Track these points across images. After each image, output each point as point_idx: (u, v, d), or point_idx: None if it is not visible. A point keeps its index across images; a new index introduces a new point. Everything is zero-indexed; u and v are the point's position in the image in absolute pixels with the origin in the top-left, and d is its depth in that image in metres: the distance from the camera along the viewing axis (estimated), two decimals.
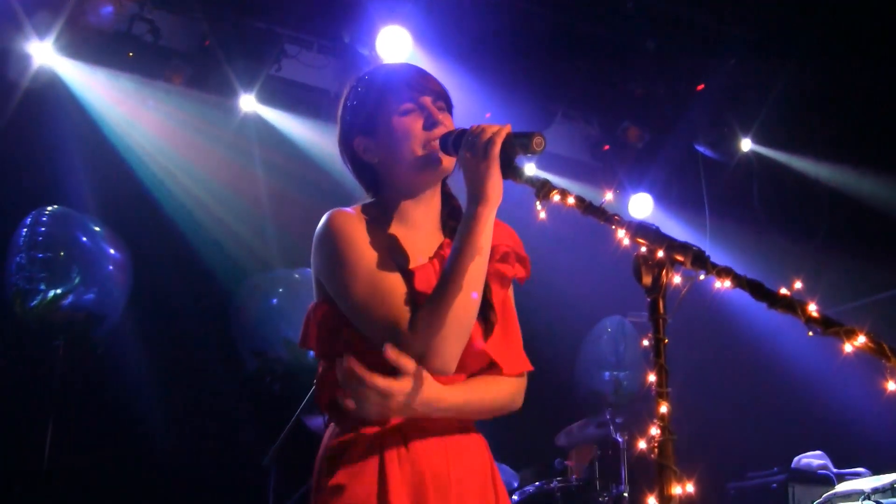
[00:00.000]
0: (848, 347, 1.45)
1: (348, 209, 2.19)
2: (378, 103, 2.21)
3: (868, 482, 3.86)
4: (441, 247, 2.20)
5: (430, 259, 2.17)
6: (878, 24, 6.15)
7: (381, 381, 1.93)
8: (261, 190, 6.44)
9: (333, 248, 2.09)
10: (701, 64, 6.90)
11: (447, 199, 2.31)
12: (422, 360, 1.97)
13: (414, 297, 2.02)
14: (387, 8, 5.90)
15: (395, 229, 2.18)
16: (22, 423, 5.42)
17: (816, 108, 6.69)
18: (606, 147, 7.33)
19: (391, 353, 1.93)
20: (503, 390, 2.17)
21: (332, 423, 2.16)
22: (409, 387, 1.95)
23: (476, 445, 2.19)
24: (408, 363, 1.94)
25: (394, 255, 2.11)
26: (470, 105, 5.88)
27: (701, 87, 6.98)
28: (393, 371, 1.95)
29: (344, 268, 2.07)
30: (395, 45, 5.83)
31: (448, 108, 2.25)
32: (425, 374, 1.97)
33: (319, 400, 2.15)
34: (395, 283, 2.04)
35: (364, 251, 2.07)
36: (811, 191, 7.13)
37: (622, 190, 7.29)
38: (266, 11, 5.97)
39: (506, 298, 2.24)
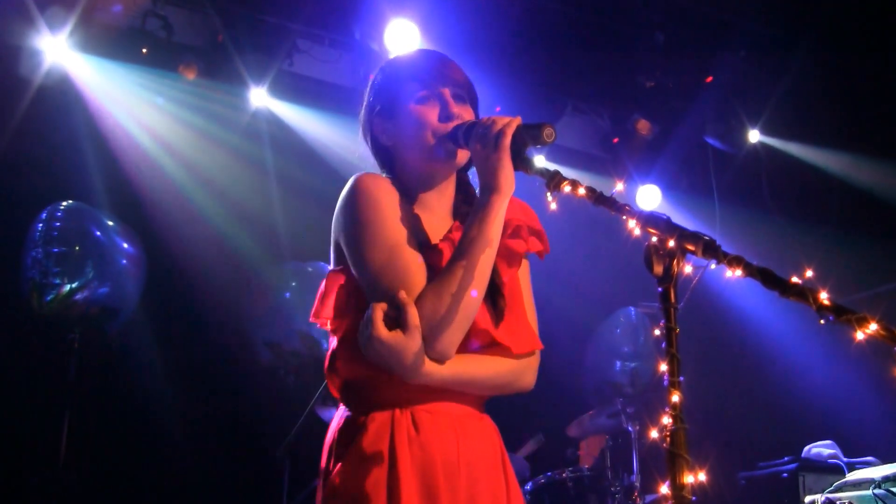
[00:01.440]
0: (860, 335, 1.41)
1: (379, 174, 2.18)
2: (399, 88, 2.21)
3: (878, 471, 3.86)
4: (451, 230, 2.19)
5: (441, 241, 2.15)
6: (885, 15, 6.15)
7: (385, 334, 1.91)
8: (272, 184, 6.45)
9: (359, 210, 2.08)
10: (709, 56, 6.91)
11: (462, 185, 2.30)
12: (423, 342, 1.95)
13: (427, 278, 2.02)
14: (396, 1, 5.91)
15: (413, 209, 2.18)
16: (38, 416, 5.44)
17: (824, 98, 6.68)
18: (616, 139, 7.33)
19: (402, 295, 1.94)
20: (502, 367, 2.10)
21: (343, 407, 2.15)
22: (410, 346, 1.91)
23: (487, 430, 2.16)
24: (413, 316, 1.93)
25: (413, 233, 2.08)
26: (479, 98, 5.87)
27: (709, 79, 6.99)
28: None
29: (367, 231, 2.05)
30: (403, 38, 5.83)
31: (469, 98, 2.24)
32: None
33: (330, 379, 2.12)
34: (411, 260, 2.03)
35: (389, 219, 2.06)
36: (820, 181, 7.13)
37: (631, 181, 7.28)
38: (278, 7, 6.00)
39: (513, 277, 2.19)
